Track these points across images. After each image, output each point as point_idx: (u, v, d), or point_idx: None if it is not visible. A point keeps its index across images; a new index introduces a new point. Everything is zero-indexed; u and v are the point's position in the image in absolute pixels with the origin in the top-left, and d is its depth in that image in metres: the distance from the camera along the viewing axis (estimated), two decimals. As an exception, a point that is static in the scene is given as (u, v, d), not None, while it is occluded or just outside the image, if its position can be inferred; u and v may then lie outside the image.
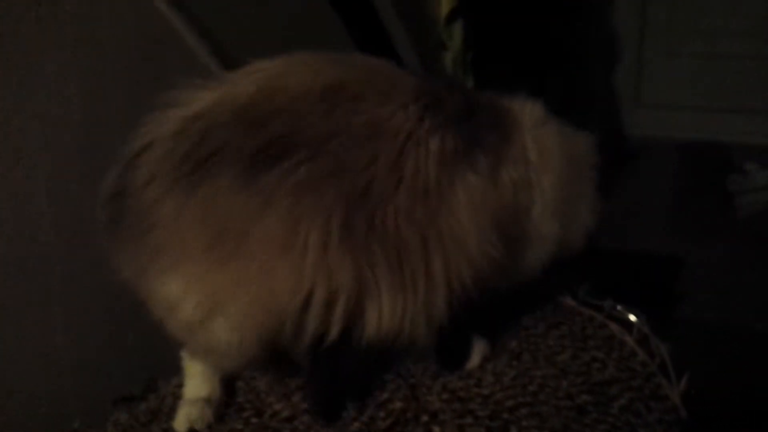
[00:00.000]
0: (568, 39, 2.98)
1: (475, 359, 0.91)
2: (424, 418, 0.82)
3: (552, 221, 0.86)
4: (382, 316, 0.72)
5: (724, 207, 2.58)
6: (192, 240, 0.69)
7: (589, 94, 3.19)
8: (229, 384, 0.89)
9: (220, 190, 0.68)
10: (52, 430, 1.04)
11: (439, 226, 0.73)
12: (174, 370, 0.91)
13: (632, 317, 1.01)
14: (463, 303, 0.76)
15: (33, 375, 1.07)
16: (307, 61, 0.77)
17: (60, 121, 1.06)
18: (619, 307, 1.03)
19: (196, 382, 0.85)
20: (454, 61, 2.10)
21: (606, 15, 3.15)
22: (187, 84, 0.77)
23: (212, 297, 0.70)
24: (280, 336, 0.72)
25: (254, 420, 0.82)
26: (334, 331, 0.72)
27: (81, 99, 1.09)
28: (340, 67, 0.77)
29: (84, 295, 1.13)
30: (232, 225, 0.68)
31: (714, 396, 1.02)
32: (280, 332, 0.71)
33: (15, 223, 1.02)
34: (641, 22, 3.18)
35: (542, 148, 0.85)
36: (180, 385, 0.88)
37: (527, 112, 0.88)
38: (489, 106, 0.85)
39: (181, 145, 0.71)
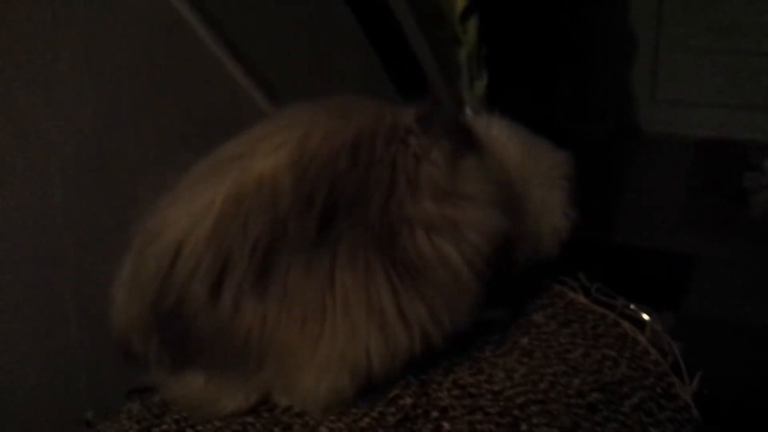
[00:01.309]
0: (583, 35, 2.96)
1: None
2: (434, 413, 0.82)
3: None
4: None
5: (740, 205, 2.56)
6: (290, 337, 0.71)
7: (604, 90, 3.17)
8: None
9: (289, 281, 0.69)
10: (65, 421, 1.06)
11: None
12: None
13: (645, 316, 1.00)
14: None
15: (47, 366, 1.08)
16: (310, 126, 0.75)
17: (74, 114, 1.07)
18: (632, 306, 1.02)
19: None
20: (469, 56, 2.10)
21: (622, 10, 3.13)
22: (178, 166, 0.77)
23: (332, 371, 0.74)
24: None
25: (266, 414, 0.83)
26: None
27: (94, 92, 1.09)
28: (342, 122, 0.76)
29: (97, 287, 1.13)
30: (312, 308, 0.71)
31: (727, 395, 1.01)
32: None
33: (28, 215, 1.03)
34: (657, 17, 3.15)
35: (501, 160, 0.88)
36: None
37: (492, 129, 0.92)
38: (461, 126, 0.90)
39: (224, 246, 0.68)
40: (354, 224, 0.71)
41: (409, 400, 0.84)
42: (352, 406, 0.81)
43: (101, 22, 1.09)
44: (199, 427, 0.82)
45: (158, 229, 0.72)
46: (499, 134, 0.93)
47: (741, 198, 2.56)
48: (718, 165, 2.68)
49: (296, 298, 0.70)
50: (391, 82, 1.94)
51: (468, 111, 2.17)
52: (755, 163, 2.65)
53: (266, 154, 0.71)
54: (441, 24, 2.02)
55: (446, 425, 0.81)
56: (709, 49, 3.05)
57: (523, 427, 0.81)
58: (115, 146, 1.14)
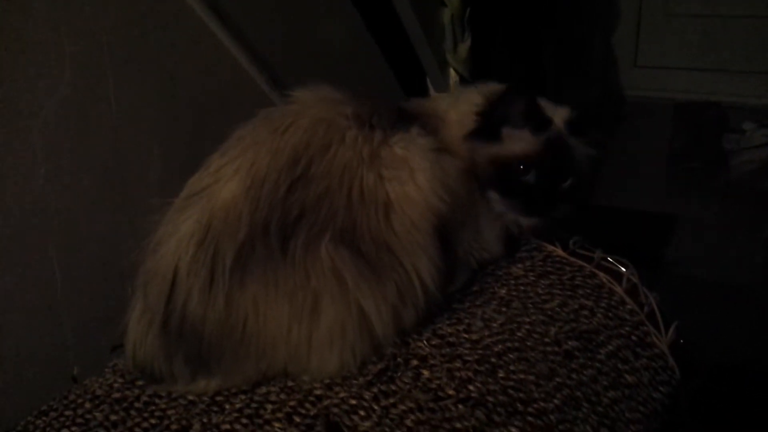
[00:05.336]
0: (566, 1, 2.95)
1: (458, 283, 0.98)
2: (414, 362, 0.84)
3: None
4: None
5: (720, 166, 2.59)
6: (283, 320, 0.80)
7: (587, 55, 3.17)
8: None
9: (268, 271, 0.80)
10: (51, 377, 1.07)
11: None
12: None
13: (621, 267, 1.02)
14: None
15: (33, 323, 1.09)
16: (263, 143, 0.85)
17: (50, 92, 1.06)
18: (609, 258, 1.04)
19: None
20: (453, 18, 2.09)
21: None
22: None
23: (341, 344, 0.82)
24: None
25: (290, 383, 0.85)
26: None
27: (73, 54, 1.09)
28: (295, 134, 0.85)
29: (82, 246, 1.14)
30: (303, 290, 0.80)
31: (703, 349, 1.04)
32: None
33: (13, 173, 1.03)
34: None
35: (413, 168, 0.89)
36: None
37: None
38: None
39: (207, 265, 0.79)
40: (312, 227, 0.81)
41: (389, 350, 0.85)
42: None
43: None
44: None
45: (155, 266, 0.82)
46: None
47: (721, 159, 2.59)
48: (698, 127, 2.70)
49: (280, 282, 0.80)
50: (377, 46, 1.93)
51: (452, 74, 2.17)
52: (735, 125, 2.67)
53: (227, 180, 0.83)
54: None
55: (426, 373, 0.83)
56: (691, 14, 3.04)
57: (501, 374, 0.83)
58: (96, 104, 1.13)
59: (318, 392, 0.81)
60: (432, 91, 2.12)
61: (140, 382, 0.86)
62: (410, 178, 0.86)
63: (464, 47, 2.12)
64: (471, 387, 0.81)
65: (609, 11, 3.16)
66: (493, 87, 1.01)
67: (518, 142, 0.95)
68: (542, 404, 0.80)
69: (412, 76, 2.06)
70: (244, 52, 1.39)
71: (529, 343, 0.88)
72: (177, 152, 1.26)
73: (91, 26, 1.11)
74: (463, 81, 2.10)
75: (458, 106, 1.00)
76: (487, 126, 0.95)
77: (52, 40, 1.05)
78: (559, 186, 0.96)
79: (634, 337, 0.93)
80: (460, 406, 0.78)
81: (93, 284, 1.15)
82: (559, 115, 0.98)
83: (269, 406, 0.80)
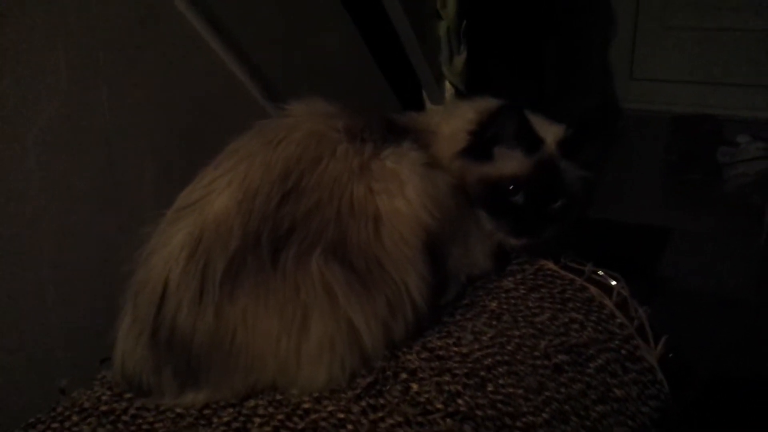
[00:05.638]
0: (562, 11, 2.96)
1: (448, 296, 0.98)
2: (403, 375, 0.84)
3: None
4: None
5: (714, 178, 2.59)
6: (272, 333, 0.80)
7: (584, 68, 3.19)
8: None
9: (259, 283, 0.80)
10: (40, 388, 1.06)
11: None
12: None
13: (612, 281, 1.02)
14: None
15: (23, 334, 1.08)
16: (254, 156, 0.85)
17: (46, 90, 1.07)
18: (599, 272, 1.04)
19: None
20: (448, 31, 2.10)
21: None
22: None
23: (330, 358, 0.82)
24: None
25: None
26: None
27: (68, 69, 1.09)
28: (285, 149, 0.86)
29: (74, 256, 1.14)
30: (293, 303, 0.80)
31: (696, 362, 1.04)
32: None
33: (4, 184, 1.03)
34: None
35: (402, 182, 0.89)
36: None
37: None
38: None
39: (197, 278, 0.79)
40: (303, 240, 0.81)
41: (379, 363, 0.85)
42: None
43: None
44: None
45: (146, 277, 0.82)
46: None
47: (716, 172, 2.60)
48: (693, 140, 2.71)
49: (270, 295, 0.80)
50: (374, 58, 1.94)
51: (448, 86, 2.18)
52: (729, 138, 2.68)
53: (219, 193, 0.83)
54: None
55: (415, 386, 0.83)
56: (686, 26, 3.06)
57: (490, 387, 0.83)
58: (91, 114, 1.14)
59: (306, 406, 0.81)
60: (428, 104, 2.13)
61: (128, 395, 0.86)
62: (400, 192, 0.86)
63: (460, 60, 2.14)
64: (460, 401, 0.81)
65: (606, 24, 3.18)
66: (487, 103, 1.01)
67: (509, 162, 0.95)
68: (531, 418, 0.80)
69: (409, 88, 2.07)
70: (239, 63, 1.40)
71: (518, 357, 0.88)
72: (171, 163, 1.27)
73: (86, 37, 1.11)
74: (459, 93, 2.11)
75: (450, 121, 1.00)
76: (479, 145, 0.95)
77: (47, 50, 1.06)
78: (548, 207, 0.96)
79: (623, 351, 0.93)
80: (449, 420, 0.78)
81: (84, 295, 1.15)
82: (552, 134, 0.98)
83: (257, 420, 0.80)
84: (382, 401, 0.81)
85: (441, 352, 0.88)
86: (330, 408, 0.80)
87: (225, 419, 0.80)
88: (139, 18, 1.20)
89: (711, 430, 1.40)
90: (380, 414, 0.79)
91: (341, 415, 0.79)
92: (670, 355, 0.98)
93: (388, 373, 0.85)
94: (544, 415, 0.80)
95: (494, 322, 0.94)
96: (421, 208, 0.86)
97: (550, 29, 2.86)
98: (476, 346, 0.89)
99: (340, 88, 1.64)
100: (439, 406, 0.80)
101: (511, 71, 2.51)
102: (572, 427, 0.80)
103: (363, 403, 0.80)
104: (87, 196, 1.15)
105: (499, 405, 0.80)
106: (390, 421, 0.78)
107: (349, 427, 0.78)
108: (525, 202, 0.95)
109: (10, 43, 1.01)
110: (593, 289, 1.01)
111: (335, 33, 1.78)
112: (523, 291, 1.00)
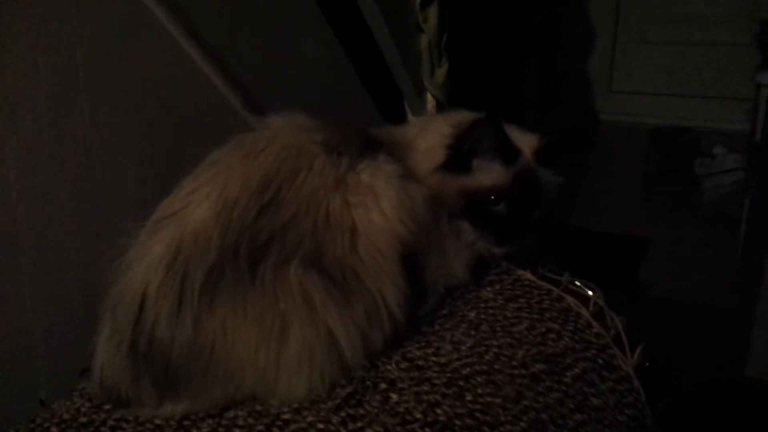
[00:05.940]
0: (542, 24, 3.00)
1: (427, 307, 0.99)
2: (383, 386, 0.85)
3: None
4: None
5: (691, 190, 2.64)
6: (251, 344, 0.80)
7: (564, 81, 3.23)
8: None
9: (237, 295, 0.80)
10: (19, 400, 1.06)
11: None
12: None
13: (588, 291, 1.03)
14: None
15: (1, 344, 1.07)
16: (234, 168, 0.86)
17: (25, 99, 1.06)
18: (576, 282, 1.06)
19: None
20: (430, 44, 2.12)
21: (581, 1, 3.18)
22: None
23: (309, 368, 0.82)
24: None
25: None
26: None
27: (48, 79, 1.09)
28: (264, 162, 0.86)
29: (54, 267, 1.13)
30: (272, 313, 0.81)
31: (675, 366, 1.05)
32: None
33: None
34: (615, 9, 3.21)
35: (378, 195, 0.90)
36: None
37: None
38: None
39: (175, 289, 0.79)
40: (281, 251, 0.82)
41: (358, 373, 0.86)
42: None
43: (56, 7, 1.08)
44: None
45: (124, 288, 0.82)
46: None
47: (693, 183, 2.64)
48: (671, 152, 2.75)
49: (248, 306, 0.80)
50: (355, 70, 1.95)
51: (429, 98, 2.19)
52: (706, 150, 2.72)
53: (198, 204, 0.83)
54: (403, 11, 2.03)
55: (394, 396, 0.83)
56: (665, 40, 3.12)
57: (468, 397, 0.84)
58: (71, 124, 1.14)
59: (286, 416, 0.81)
60: (410, 116, 2.14)
61: (107, 407, 0.85)
62: (375, 205, 0.87)
63: (441, 72, 2.16)
64: (438, 410, 0.81)
65: (586, 39, 3.22)
66: (462, 116, 1.03)
67: (489, 173, 0.97)
68: (509, 427, 0.80)
69: (390, 100, 2.08)
70: (220, 75, 1.40)
71: (496, 366, 0.88)
72: (153, 173, 1.26)
73: (66, 46, 1.11)
74: (440, 106, 2.13)
75: (426, 135, 1.01)
76: (457, 158, 0.97)
77: (27, 61, 1.06)
78: (529, 215, 0.98)
79: (600, 360, 0.94)
80: (428, 430, 0.79)
81: (65, 306, 1.15)
82: (527, 144, 1.00)
83: (237, 431, 0.80)
84: (361, 411, 0.81)
85: (420, 362, 0.89)
86: (310, 418, 0.80)
87: (204, 430, 0.80)
88: (119, 29, 1.20)
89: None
90: (359, 424, 0.79)
91: (321, 426, 0.79)
92: (647, 363, 0.99)
93: (368, 383, 0.85)
94: (522, 424, 0.81)
95: (473, 332, 0.94)
96: (396, 221, 0.88)
97: (531, 43, 2.90)
98: (455, 356, 0.90)
99: (321, 101, 1.65)
100: (419, 416, 0.80)
101: (492, 84, 2.53)
102: (550, 436, 0.81)
103: (342, 414, 0.81)
104: (67, 206, 1.14)
105: (478, 414, 0.81)
106: (369, 431, 0.78)
107: (329, 437, 0.78)
108: (508, 212, 0.97)
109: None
110: (570, 299, 1.02)
111: (317, 46, 1.79)
112: (501, 301, 1.01)
